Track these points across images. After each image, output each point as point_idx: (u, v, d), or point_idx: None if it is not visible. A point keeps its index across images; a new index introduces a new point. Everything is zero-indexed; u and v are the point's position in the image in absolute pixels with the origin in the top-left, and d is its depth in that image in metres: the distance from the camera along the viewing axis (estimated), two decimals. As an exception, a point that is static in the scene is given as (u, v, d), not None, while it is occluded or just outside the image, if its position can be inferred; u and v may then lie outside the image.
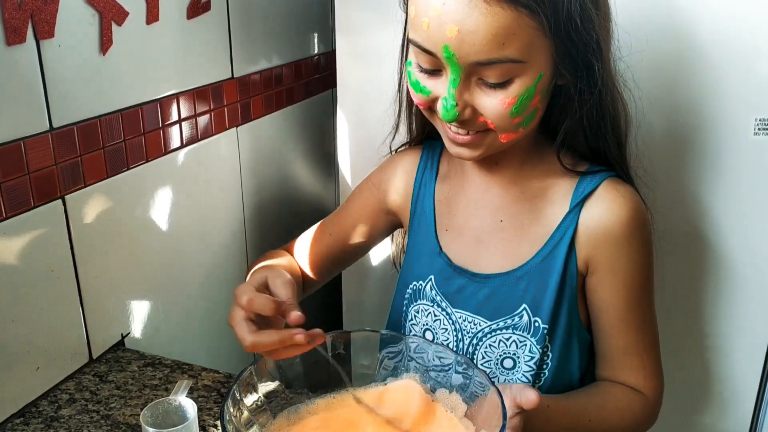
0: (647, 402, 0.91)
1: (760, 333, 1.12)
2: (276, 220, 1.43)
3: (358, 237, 1.06)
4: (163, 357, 1.02)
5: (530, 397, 0.75)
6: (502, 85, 0.77)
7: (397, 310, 1.03)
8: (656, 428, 0.97)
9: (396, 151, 1.05)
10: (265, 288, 0.77)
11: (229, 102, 1.23)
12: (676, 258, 1.13)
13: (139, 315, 1.09)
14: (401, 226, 1.08)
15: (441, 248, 0.96)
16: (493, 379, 0.94)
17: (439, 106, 0.81)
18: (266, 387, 0.82)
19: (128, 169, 1.03)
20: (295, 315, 0.73)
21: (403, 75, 0.94)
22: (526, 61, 0.76)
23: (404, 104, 0.98)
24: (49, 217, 0.91)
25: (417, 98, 0.84)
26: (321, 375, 0.85)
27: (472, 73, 0.77)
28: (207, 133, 1.19)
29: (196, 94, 1.15)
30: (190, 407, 0.82)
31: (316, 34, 1.50)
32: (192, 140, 1.16)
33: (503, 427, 0.70)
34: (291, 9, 1.40)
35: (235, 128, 1.26)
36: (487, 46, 0.74)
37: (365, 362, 0.87)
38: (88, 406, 0.91)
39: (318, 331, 0.76)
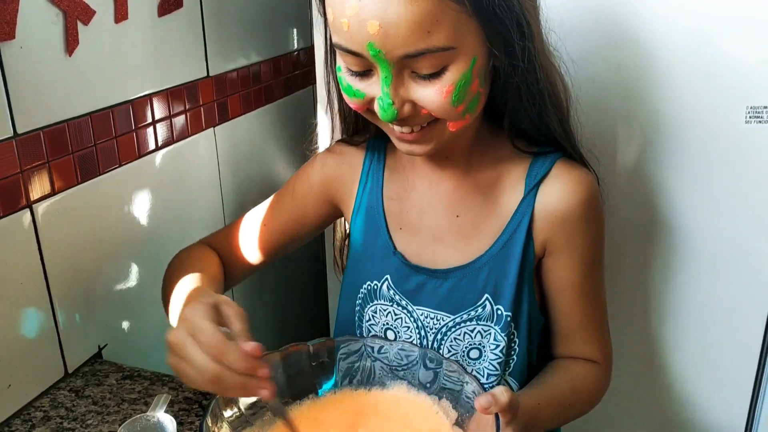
0: (604, 371, 0.94)
1: (753, 328, 1.10)
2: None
3: (294, 230, 1.01)
4: (142, 369, 0.99)
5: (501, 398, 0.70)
6: (436, 75, 0.74)
7: (347, 313, 0.99)
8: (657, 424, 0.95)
9: (338, 141, 1.00)
10: (217, 312, 0.69)
11: (205, 101, 1.20)
12: (660, 251, 1.10)
13: (116, 325, 1.06)
14: (341, 217, 1.04)
15: (395, 247, 0.93)
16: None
17: (377, 108, 0.78)
18: (247, 399, 0.79)
19: (100, 174, 0.99)
20: (254, 345, 0.66)
21: (330, 86, 0.91)
22: (456, 47, 0.73)
23: (336, 114, 0.95)
24: (16, 228, 0.87)
25: (353, 103, 0.81)
26: (304, 384, 0.82)
27: (403, 67, 0.74)
28: (183, 135, 1.15)
29: (171, 94, 1.11)
30: (169, 423, 0.78)
31: (294, 30, 1.46)
32: (167, 142, 1.12)
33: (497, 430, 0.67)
34: (267, 4, 1.36)
35: (212, 128, 1.22)
36: (412, 37, 0.70)
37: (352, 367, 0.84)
38: (63, 423, 0.87)
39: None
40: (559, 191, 0.87)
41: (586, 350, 0.93)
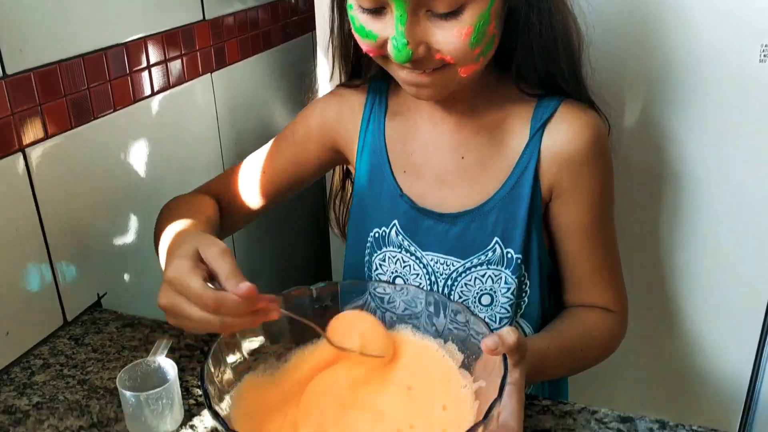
0: (619, 320, 0.91)
1: (762, 274, 1.08)
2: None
3: (294, 176, 0.99)
4: (142, 317, 0.97)
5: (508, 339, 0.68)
6: (453, 14, 0.72)
7: (356, 262, 0.98)
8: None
9: (339, 85, 0.98)
10: (199, 261, 0.67)
11: (201, 46, 1.16)
12: (671, 198, 1.08)
13: (115, 274, 1.04)
14: (344, 163, 1.02)
15: (401, 190, 0.91)
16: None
17: (390, 48, 0.75)
18: (250, 344, 0.77)
19: (95, 119, 0.96)
20: (247, 288, 0.63)
21: (335, 22, 0.88)
22: None
23: (338, 52, 0.91)
24: (9, 173, 0.85)
25: (365, 45, 0.78)
26: (307, 328, 0.80)
27: (418, 6, 0.72)
28: (179, 80, 1.12)
29: (166, 38, 1.07)
30: (170, 368, 0.77)
31: (292, -26, 1.42)
32: (163, 88, 1.08)
33: (504, 376, 0.65)
34: (264, -54, 1.31)
35: (209, 74, 1.19)
36: None
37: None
38: (63, 371, 0.86)
39: (274, 298, 0.68)
40: (563, 133, 0.84)
41: (599, 298, 0.90)
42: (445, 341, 0.78)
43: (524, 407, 0.68)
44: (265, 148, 1.01)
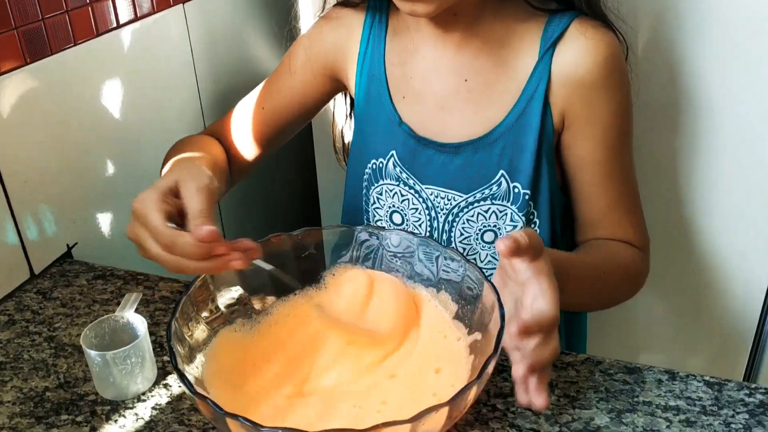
0: (642, 257, 0.84)
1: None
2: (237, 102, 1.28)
3: (295, 110, 0.93)
4: (114, 268, 0.91)
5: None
6: None
7: (353, 197, 0.93)
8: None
9: (335, 4, 0.91)
10: (173, 196, 0.64)
11: (171, -26, 1.06)
12: (687, 130, 1.01)
13: (86, 222, 0.97)
14: (345, 90, 0.96)
15: (401, 118, 0.84)
16: (473, 256, 0.86)
17: None
18: (226, 296, 0.71)
19: (52, 53, 0.87)
20: (205, 231, 0.58)
21: None
22: None
23: None
24: (-43, 114, 0.77)
25: None
26: (290, 274, 0.74)
27: None
28: (148, 11, 1.03)
29: (130, -36, 0.98)
30: (139, 323, 0.71)
31: None
32: (130, 20, 0.99)
33: (501, 328, 0.59)
34: None
35: (181, 5, 1.10)
36: None
37: (344, 260, 0.76)
38: (29, 327, 0.80)
39: (248, 245, 0.64)
40: (576, 52, 0.77)
41: (617, 235, 0.83)
42: (438, 290, 0.72)
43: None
44: (262, 86, 0.95)
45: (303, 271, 0.75)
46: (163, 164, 0.87)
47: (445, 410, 0.53)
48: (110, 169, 1.00)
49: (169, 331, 0.61)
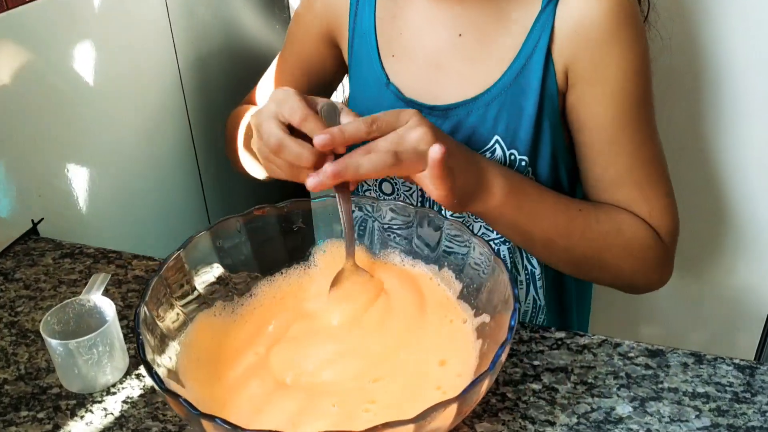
0: (657, 237, 0.73)
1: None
2: (219, 73, 1.20)
3: (308, 85, 0.88)
4: (84, 245, 0.83)
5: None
6: None
7: None
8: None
9: None
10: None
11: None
12: (709, 90, 0.93)
13: (54, 197, 0.89)
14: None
15: (388, 78, 0.77)
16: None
17: None
18: (205, 277, 0.64)
19: (9, 8, 0.79)
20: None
21: None
22: None
23: None
24: None
25: None
26: (276, 254, 0.67)
27: None
28: (117, -35, 0.94)
29: None
30: (107, 307, 0.64)
31: None
32: (98, -26, 0.90)
33: (514, 311, 0.52)
34: None
35: (154, -42, 1.01)
36: None
37: (334, 234, 0.69)
38: (-12, 311, 0.73)
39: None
40: (582, 2, 0.68)
41: (633, 211, 0.73)
42: (440, 268, 0.65)
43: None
44: (272, 67, 0.91)
45: (290, 247, 0.67)
46: (230, 134, 0.87)
47: (453, 407, 0.46)
48: (81, 137, 0.92)
49: (137, 318, 0.53)
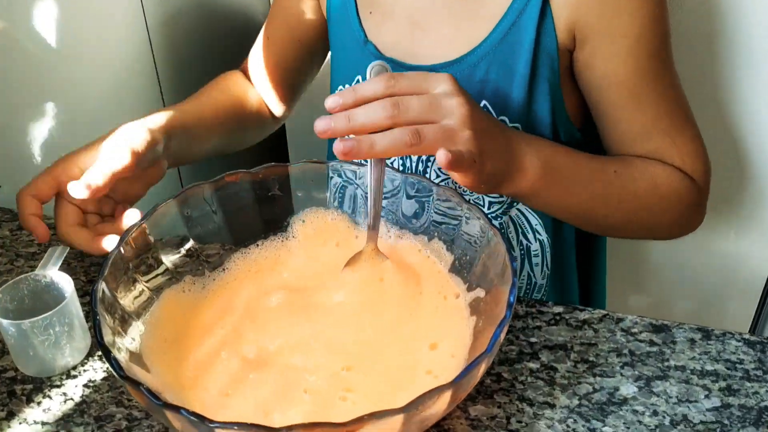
0: (689, 181, 0.68)
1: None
2: (190, 31, 1.12)
3: (300, 52, 0.83)
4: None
5: None
6: None
7: None
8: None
9: None
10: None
11: None
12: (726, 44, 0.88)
13: (13, 162, 0.83)
14: None
15: (366, 36, 0.72)
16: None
17: None
18: (172, 249, 0.58)
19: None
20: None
21: None
22: None
23: None
24: None
25: None
26: (251, 224, 0.62)
27: None
28: None
29: None
30: (65, 284, 0.58)
31: None
32: None
33: (513, 285, 0.47)
34: None
35: None
36: None
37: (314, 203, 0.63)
38: (-63, 288, 0.67)
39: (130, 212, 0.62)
40: None
41: (663, 160, 0.69)
42: (430, 238, 0.59)
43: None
44: (261, 33, 0.85)
45: (266, 217, 0.62)
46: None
47: (447, 394, 0.41)
48: (43, 99, 0.85)
49: (94, 296, 0.48)
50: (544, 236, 0.75)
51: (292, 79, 0.85)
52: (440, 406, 0.42)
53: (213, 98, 0.79)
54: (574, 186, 0.64)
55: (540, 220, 0.74)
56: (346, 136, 0.50)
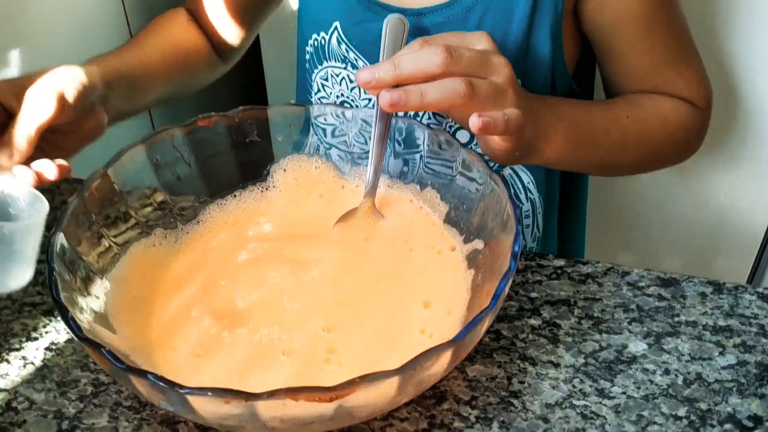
0: (695, 110, 0.67)
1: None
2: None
3: None
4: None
5: None
6: None
7: (303, 81, 0.75)
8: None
9: None
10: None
11: None
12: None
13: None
14: None
15: None
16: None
17: None
18: (142, 199, 0.53)
19: None
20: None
21: None
22: None
23: None
24: None
25: None
26: (227, 173, 0.57)
27: None
28: None
29: None
30: (39, 205, 0.51)
31: None
32: None
33: (517, 234, 0.43)
34: None
35: None
36: None
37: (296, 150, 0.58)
38: None
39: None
40: None
41: (670, 91, 0.67)
42: (422, 187, 0.55)
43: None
44: None
45: (243, 164, 0.57)
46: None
47: (447, 354, 0.37)
48: (5, 37, 0.79)
49: (50, 250, 0.43)
50: (535, 195, 0.71)
51: (252, 4, 0.77)
52: (439, 366, 0.37)
53: (156, 43, 0.70)
54: (595, 142, 0.61)
55: (532, 177, 0.70)
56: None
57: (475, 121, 0.45)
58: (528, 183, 0.71)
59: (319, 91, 0.71)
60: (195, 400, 0.34)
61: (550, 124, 0.56)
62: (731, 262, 1.05)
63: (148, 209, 0.53)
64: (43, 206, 0.50)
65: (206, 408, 0.35)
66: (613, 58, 0.66)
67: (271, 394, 0.33)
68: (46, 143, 0.53)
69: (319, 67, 0.70)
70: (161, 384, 0.34)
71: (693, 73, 0.67)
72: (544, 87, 0.65)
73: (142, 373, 0.35)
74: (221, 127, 0.55)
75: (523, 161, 0.57)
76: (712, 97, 0.69)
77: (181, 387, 0.34)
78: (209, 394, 0.34)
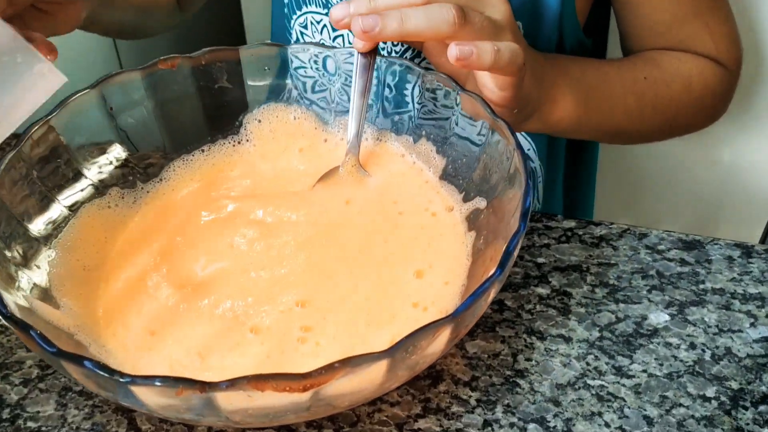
0: (722, 70, 0.61)
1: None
2: None
3: None
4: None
5: None
6: None
7: (281, 29, 0.68)
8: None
9: None
10: None
11: None
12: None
13: None
14: None
15: None
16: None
17: None
18: (95, 154, 0.46)
19: None
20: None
21: None
22: None
23: None
24: None
25: None
26: (194, 124, 0.50)
27: None
28: None
29: None
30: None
31: None
32: None
33: (527, 190, 0.37)
34: None
35: None
36: None
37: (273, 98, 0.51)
38: None
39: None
40: None
41: (694, 47, 0.61)
42: (416, 139, 0.48)
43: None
44: None
45: (212, 115, 0.50)
46: None
47: (445, 332, 0.31)
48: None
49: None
50: (536, 163, 0.65)
51: None
52: (437, 346, 0.31)
53: None
54: (608, 108, 0.55)
55: (533, 145, 0.64)
56: None
57: (453, 51, 0.38)
58: (528, 150, 0.64)
59: (298, 40, 0.65)
60: (141, 391, 0.28)
61: (558, 85, 0.50)
62: (745, 225, 1.00)
63: (103, 166, 0.47)
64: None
65: (155, 400, 0.29)
66: (632, 8, 0.60)
67: (232, 384, 0.27)
68: (19, 19, 0.45)
69: (298, 13, 0.63)
70: (99, 372, 0.28)
71: (723, 28, 0.60)
72: (550, 39, 0.59)
73: (77, 359, 0.29)
74: (186, 71, 0.48)
75: (526, 128, 0.51)
76: (742, 56, 0.63)
77: (122, 375, 0.28)
78: (157, 383, 0.28)
